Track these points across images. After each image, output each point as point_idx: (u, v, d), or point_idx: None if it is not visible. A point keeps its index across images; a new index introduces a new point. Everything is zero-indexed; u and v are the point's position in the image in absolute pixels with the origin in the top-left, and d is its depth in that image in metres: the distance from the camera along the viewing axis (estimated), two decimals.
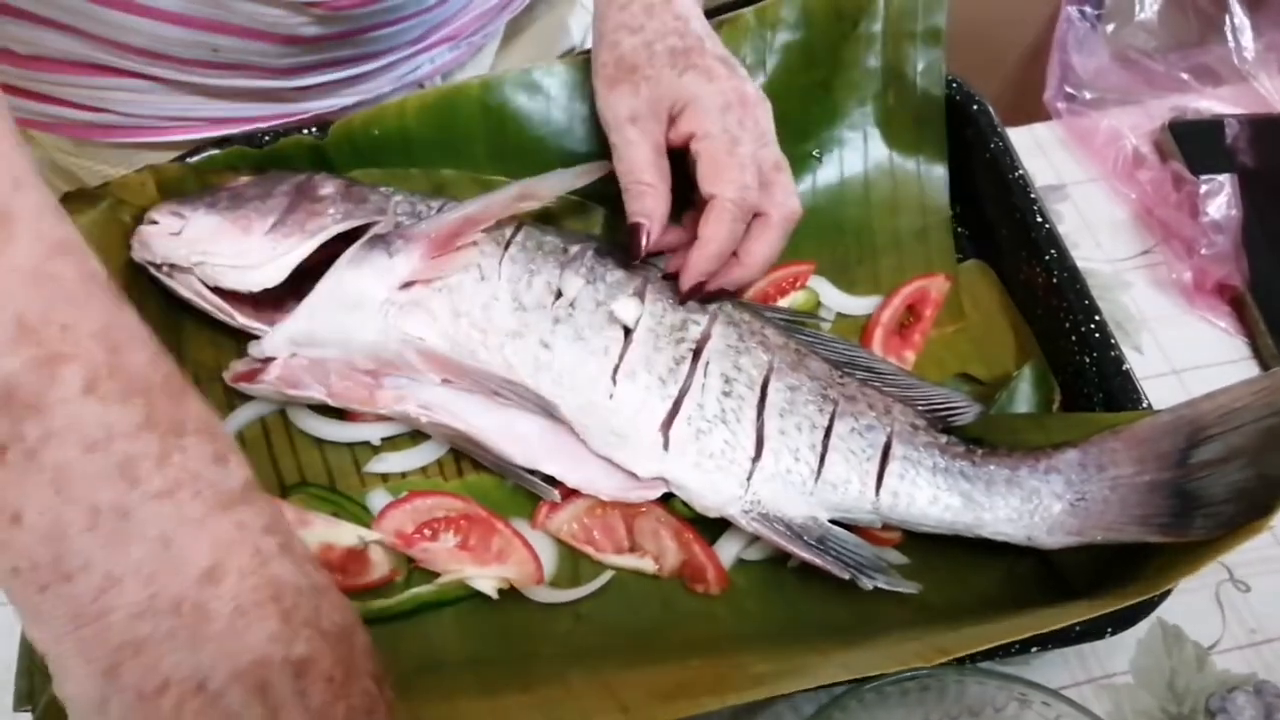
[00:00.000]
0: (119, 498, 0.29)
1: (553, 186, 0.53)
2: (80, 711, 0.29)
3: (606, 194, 0.55)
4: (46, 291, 0.29)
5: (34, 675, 0.40)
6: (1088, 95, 0.71)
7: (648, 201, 0.49)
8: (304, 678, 0.30)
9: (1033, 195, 0.57)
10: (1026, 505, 0.47)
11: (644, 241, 0.49)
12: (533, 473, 0.49)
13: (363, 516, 0.49)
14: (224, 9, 0.52)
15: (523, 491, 0.50)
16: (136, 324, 0.32)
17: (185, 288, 0.50)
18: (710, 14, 0.55)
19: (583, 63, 0.58)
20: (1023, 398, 0.54)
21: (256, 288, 0.49)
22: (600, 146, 0.58)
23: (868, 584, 0.45)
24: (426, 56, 0.63)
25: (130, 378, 0.30)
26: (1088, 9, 0.74)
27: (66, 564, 0.28)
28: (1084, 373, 0.52)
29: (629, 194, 0.50)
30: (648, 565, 0.49)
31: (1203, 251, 0.62)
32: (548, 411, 0.49)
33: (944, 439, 0.49)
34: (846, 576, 0.45)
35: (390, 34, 0.58)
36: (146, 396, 0.30)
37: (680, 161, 0.51)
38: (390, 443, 0.51)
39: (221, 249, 0.49)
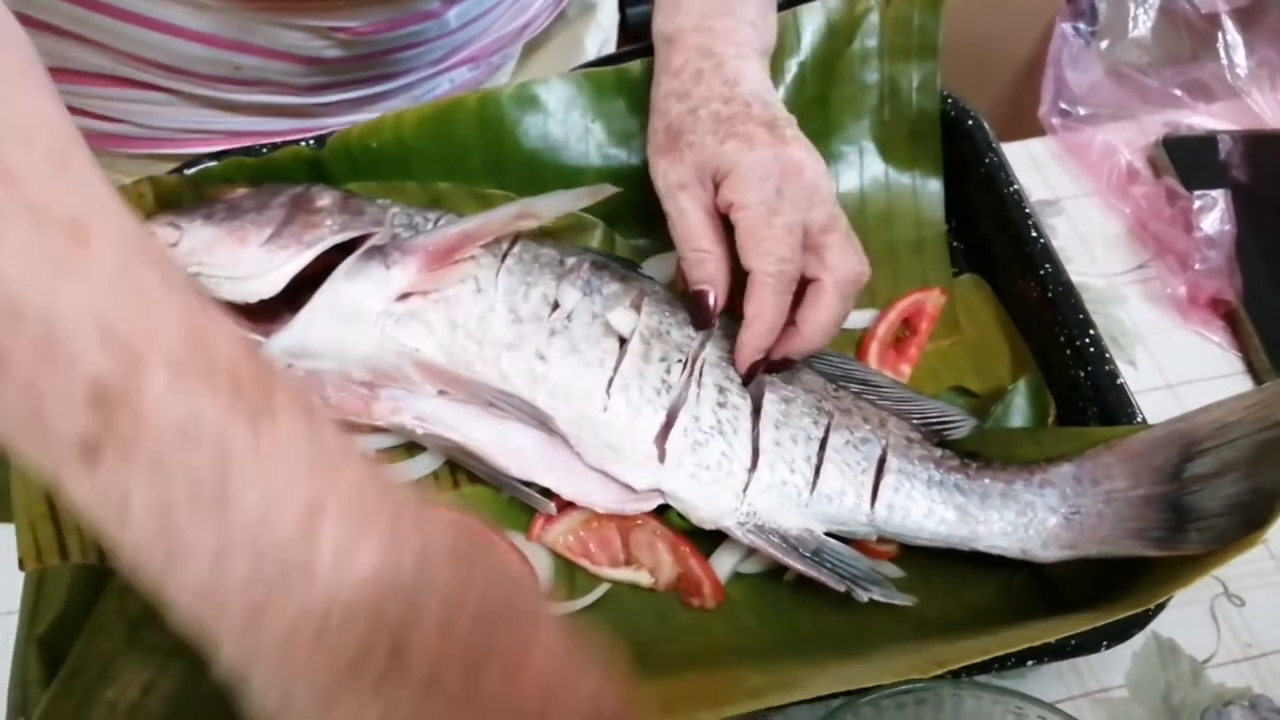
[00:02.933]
0: (216, 481, 0.29)
1: (552, 207, 0.53)
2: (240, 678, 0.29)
3: (604, 209, 0.55)
4: (129, 290, 0.30)
5: (28, 687, 0.40)
6: (1082, 111, 0.72)
7: (709, 267, 0.49)
8: (418, 599, 0.30)
9: (1027, 210, 0.57)
10: (1021, 519, 0.47)
11: (711, 306, 0.49)
12: (528, 485, 0.49)
13: None
14: (248, 30, 0.52)
15: (518, 504, 0.49)
16: (215, 311, 0.32)
17: None
18: None
19: (580, 77, 0.58)
20: (1017, 411, 0.54)
21: (253, 299, 0.49)
22: (598, 162, 0.59)
23: (863, 596, 0.45)
24: (446, 77, 0.63)
25: (214, 363, 0.30)
26: (1082, 25, 0.74)
27: (176, 554, 0.29)
28: (1079, 386, 0.52)
29: (688, 262, 0.50)
30: (643, 578, 0.49)
31: (1196, 266, 0.62)
32: (544, 424, 0.49)
33: (939, 452, 0.49)
34: (842, 589, 0.45)
35: (411, 56, 0.59)
36: (233, 380, 0.30)
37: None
38: (386, 454, 0.51)
39: (218, 260, 0.49)
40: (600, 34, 0.75)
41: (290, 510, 0.29)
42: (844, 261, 0.49)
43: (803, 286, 0.49)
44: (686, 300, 0.51)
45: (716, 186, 0.49)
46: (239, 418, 0.30)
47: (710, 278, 0.49)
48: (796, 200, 0.48)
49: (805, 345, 0.49)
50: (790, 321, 0.49)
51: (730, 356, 0.50)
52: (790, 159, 0.48)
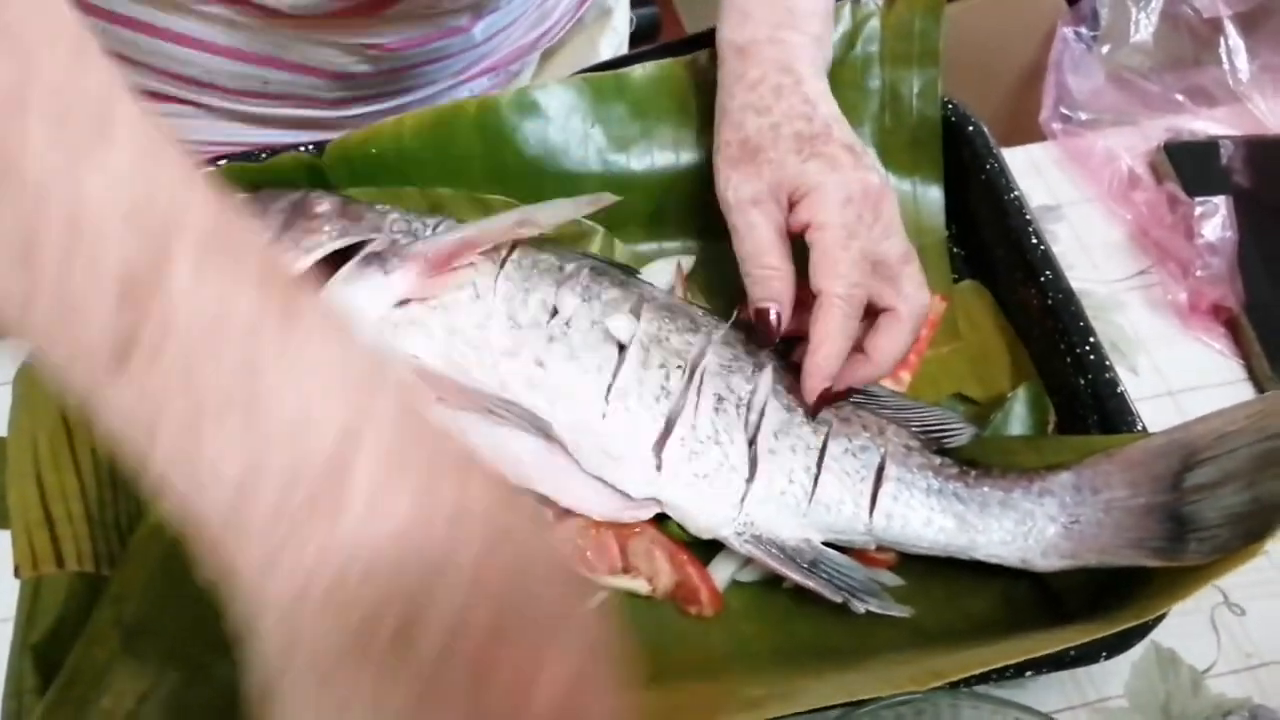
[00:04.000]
0: (246, 384, 0.27)
1: (552, 215, 0.52)
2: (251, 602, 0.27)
3: (604, 214, 0.55)
4: (152, 177, 0.29)
5: (23, 695, 0.40)
6: (1083, 116, 0.71)
7: (774, 285, 0.48)
8: (458, 527, 0.27)
9: (1028, 216, 0.57)
10: (1020, 527, 0.47)
11: (775, 325, 0.48)
12: (526, 492, 0.49)
13: None
14: (280, 47, 0.52)
15: None
16: (236, 205, 0.31)
17: None
18: (708, 39, 0.56)
19: (580, 82, 0.58)
20: (1017, 419, 0.54)
21: None
22: (598, 167, 0.58)
23: (860, 608, 0.45)
24: (466, 87, 0.63)
25: (241, 254, 0.29)
26: (1083, 30, 0.74)
27: (204, 471, 0.27)
28: (1079, 394, 0.52)
29: (753, 279, 0.49)
30: (641, 586, 0.48)
31: (1198, 273, 0.62)
32: (542, 430, 0.49)
33: (938, 460, 0.49)
34: (839, 600, 0.45)
35: (436, 69, 0.59)
36: (261, 273, 0.29)
37: (798, 249, 0.49)
38: None
39: None
40: (615, 38, 0.76)
41: (324, 432, 0.27)
42: (918, 293, 0.49)
43: (870, 315, 0.49)
44: (743, 344, 0.50)
45: (792, 205, 0.48)
46: (269, 313, 0.28)
47: (776, 295, 0.48)
48: (874, 227, 0.48)
49: (874, 373, 0.48)
50: (856, 349, 0.48)
51: (732, 364, 0.50)
52: (871, 185, 0.48)
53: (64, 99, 0.29)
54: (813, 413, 0.49)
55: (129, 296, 0.27)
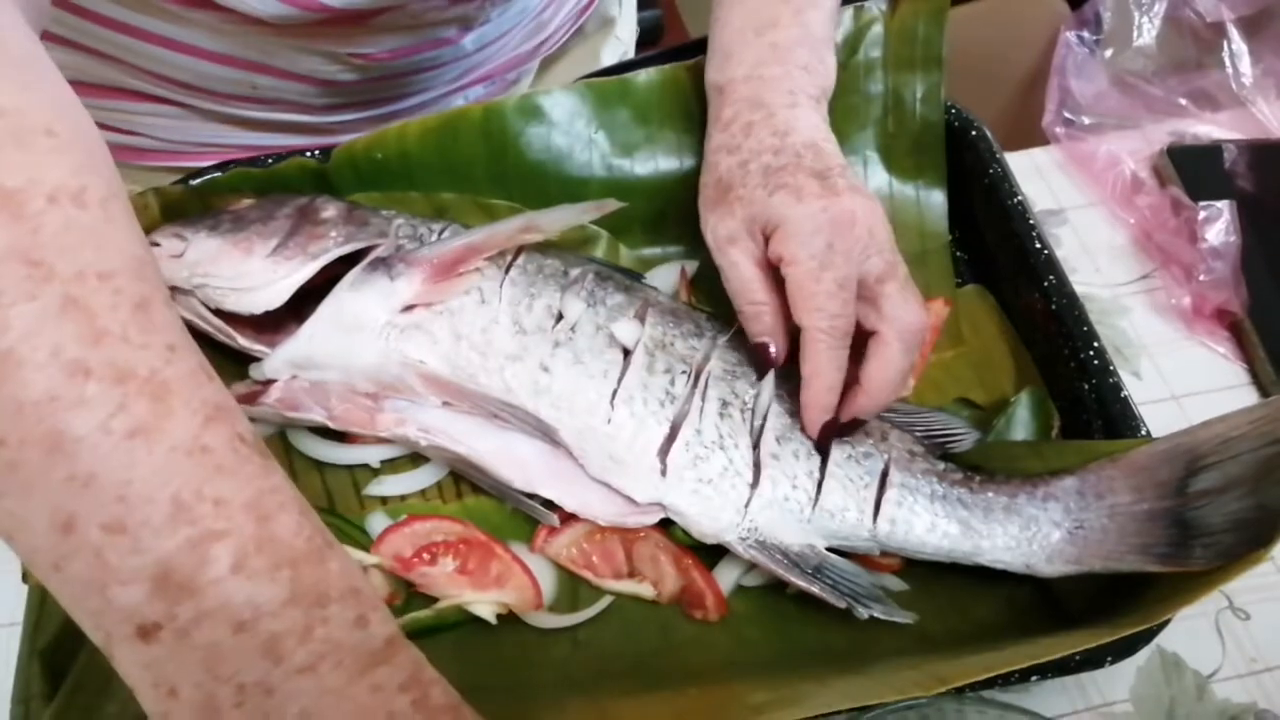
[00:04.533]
0: (264, 676, 0.30)
1: (557, 221, 0.52)
2: None
3: (609, 219, 0.55)
4: (201, 466, 0.30)
5: (30, 701, 0.40)
6: (1086, 120, 0.72)
7: (765, 320, 0.49)
8: None
9: (1031, 221, 0.57)
10: (1025, 533, 0.47)
11: (773, 357, 0.48)
12: (532, 497, 0.49)
13: (361, 539, 0.48)
14: (267, 53, 0.52)
15: (521, 515, 0.50)
16: (283, 485, 0.33)
17: (187, 310, 0.50)
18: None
19: (584, 87, 0.58)
20: (1021, 424, 0.54)
21: (258, 310, 0.49)
22: (602, 172, 0.59)
23: (863, 614, 0.45)
24: (460, 95, 0.63)
25: (277, 549, 0.31)
26: (1086, 34, 0.74)
27: None
28: (1083, 399, 0.52)
29: (745, 315, 0.49)
30: (646, 591, 0.48)
31: (1201, 277, 0.62)
32: (547, 435, 0.49)
33: (942, 466, 0.49)
34: (843, 605, 0.45)
35: (426, 78, 0.59)
36: (293, 568, 0.31)
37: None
38: (389, 465, 0.51)
39: (223, 271, 0.49)
40: (619, 47, 0.75)
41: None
42: (903, 311, 0.47)
43: (863, 341, 0.48)
44: (747, 349, 0.50)
45: (767, 239, 0.48)
46: (294, 611, 0.30)
47: (768, 330, 0.49)
48: (849, 253, 0.46)
49: (872, 403, 0.47)
50: (854, 380, 0.47)
51: (736, 369, 0.50)
52: (841, 210, 0.46)
53: (123, 361, 0.30)
54: (817, 446, 0.48)
55: (165, 588, 0.29)
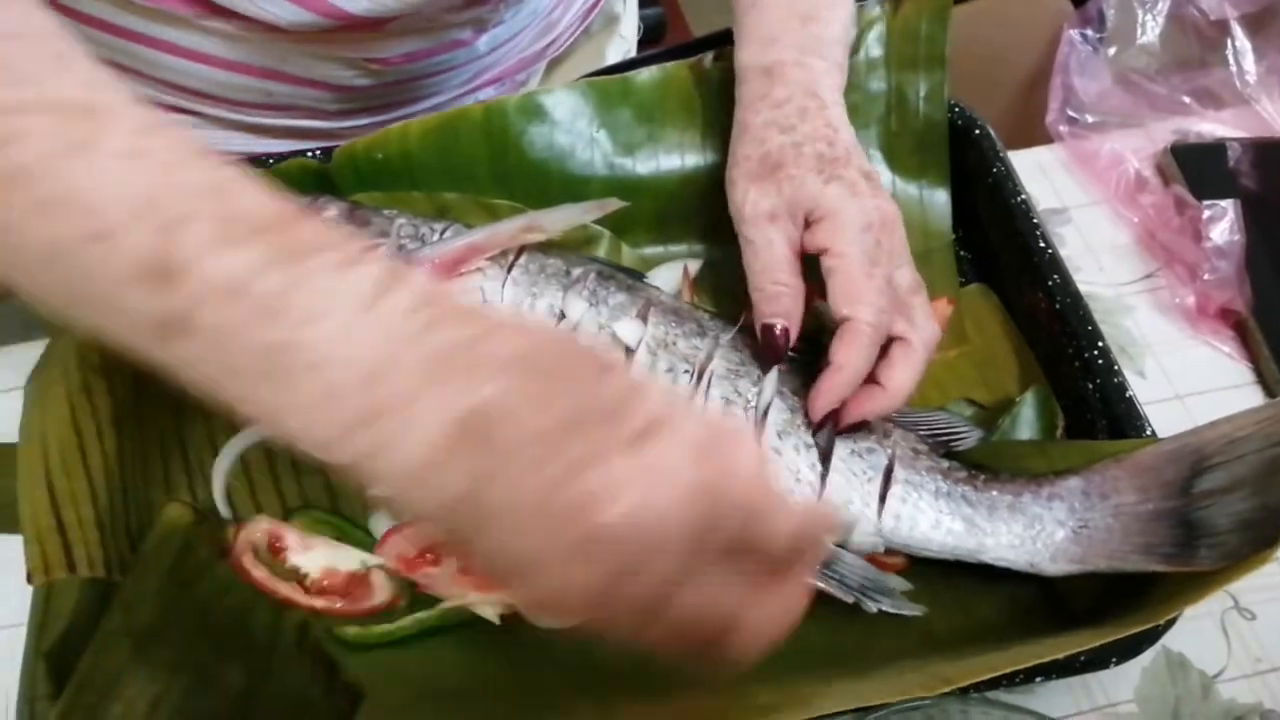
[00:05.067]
0: (273, 335, 0.30)
1: (559, 220, 0.52)
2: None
3: (611, 218, 0.55)
4: (150, 164, 0.31)
5: (35, 701, 0.40)
6: (1089, 118, 0.71)
7: (785, 302, 0.48)
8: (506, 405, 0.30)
9: (1035, 220, 0.57)
10: (1029, 532, 0.47)
11: (784, 342, 0.48)
12: None
13: (365, 540, 0.48)
14: (281, 60, 0.52)
15: None
16: (237, 173, 0.33)
17: None
18: (714, 42, 0.56)
19: (585, 86, 0.58)
20: (1025, 423, 0.54)
21: None
22: (604, 171, 0.58)
23: (872, 607, 0.45)
24: (472, 97, 0.64)
25: (247, 220, 0.31)
26: (1089, 32, 0.74)
27: (272, 414, 0.30)
28: (1087, 399, 0.52)
29: (764, 294, 0.49)
30: None
31: (1206, 276, 0.62)
32: None
33: (946, 463, 0.49)
34: (851, 600, 0.45)
35: (440, 81, 0.59)
36: (265, 233, 0.31)
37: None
38: None
39: None
40: (623, 45, 0.76)
41: (356, 358, 0.30)
42: (929, 323, 0.49)
43: (884, 344, 0.48)
44: (750, 348, 0.50)
45: (808, 224, 0.48)
46: (277, 270, 0.30)
47: (786, 312, 0.48)
48: (892, 255, 0.48)
49: (889, 404, 0.48)
50: (870, 380, 0.48)
51: (739, 368, 0.50)
52: (888, 213, 0.48)
53: (56, 98, 0.31)
54: (814, 431, 0.48)
55: (154, 280, 0.29)
